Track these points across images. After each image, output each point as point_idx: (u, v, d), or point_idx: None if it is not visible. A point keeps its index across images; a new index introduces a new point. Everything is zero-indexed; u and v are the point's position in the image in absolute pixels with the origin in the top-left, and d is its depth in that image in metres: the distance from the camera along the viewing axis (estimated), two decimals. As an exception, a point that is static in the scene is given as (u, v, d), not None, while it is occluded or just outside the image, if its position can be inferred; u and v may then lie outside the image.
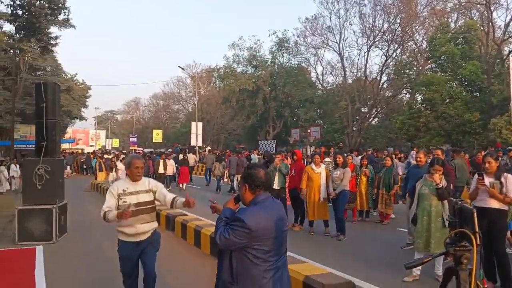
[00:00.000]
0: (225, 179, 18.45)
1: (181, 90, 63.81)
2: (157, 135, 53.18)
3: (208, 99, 52.98)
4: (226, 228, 2.51)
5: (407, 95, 36.27)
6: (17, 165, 18.09)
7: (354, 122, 35.26)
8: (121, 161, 17.17)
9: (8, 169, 18.77)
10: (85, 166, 29.07)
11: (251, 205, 2.65)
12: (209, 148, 34.54)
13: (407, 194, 7.30)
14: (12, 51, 24.42)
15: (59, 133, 9.02)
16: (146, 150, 37.30)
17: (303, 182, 8.61)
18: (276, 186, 9.49)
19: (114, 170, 17.87)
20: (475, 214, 2.00)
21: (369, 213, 10.38)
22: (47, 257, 6.89)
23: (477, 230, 1.93)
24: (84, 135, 66.34)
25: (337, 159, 8.48)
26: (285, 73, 41.24)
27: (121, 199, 3.76)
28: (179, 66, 72.95)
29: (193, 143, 39.97)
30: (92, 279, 5.76)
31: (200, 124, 41.65)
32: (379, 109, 37.09)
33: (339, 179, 8.25)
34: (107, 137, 71.42)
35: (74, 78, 42.54)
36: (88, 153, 35.45)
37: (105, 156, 23.52)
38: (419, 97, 30.05)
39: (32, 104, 33.34)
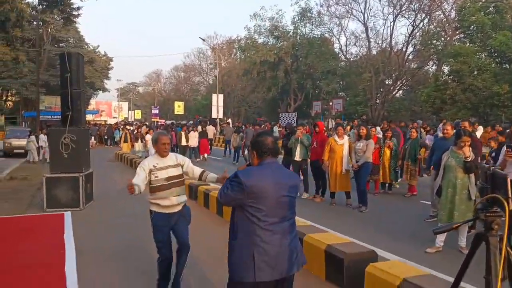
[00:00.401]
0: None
1: (202, 62, 63.69)
2: (179, 107, 53.51)
3: (228, 71, 52.72)
4: (226, 185, 2.73)
5: (434, 67, 35.25)
6: (45, 135, 18.55)
7: (378, 95, 34.61)
8: (148, 132, 17.53)
9: (37, 139, 19.29)
10: (106, 137, 29.60)
11: None
12: (229, 120, 34.57)
13: (431, 167, 7.20)
14: (35, 23, 24.59)
15: (83, 103, 9.17)
16: (168, 122, 37.61)
17: (325, 153, 8.56)
18: (297, 157, 9.50)
19: (140, 140, 18.22)
20: (509, 179, 1.96)
21: (391, 185, 10.30)
22: (74, 222, 7.14)
23: (510, 195, 1.90)
24: (107, 107, 67.43)
25: (361, 130, 8.39)
26: (308, 44, 40.44)
27: (152, 174, 3.90)
28: (200, 37, 72.78)
29: (214, 115, 40.16)
30: (118, 244, 5.95)
31: (220, 96, 41.67)
32: (404, 81, 36.23)
33: (362, 151, 8.19)
34: (129, 109, 72.35)
35: (96, 50, 42.91)
36: (110, 124, 36.03)
37: (127, 127, 23.84)
38: (446, 69, 29.18)
39: (56, 76, 33.98)
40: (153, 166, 3.92)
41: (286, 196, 2.75)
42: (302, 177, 9.60)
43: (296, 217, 5.28)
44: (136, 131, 19.76)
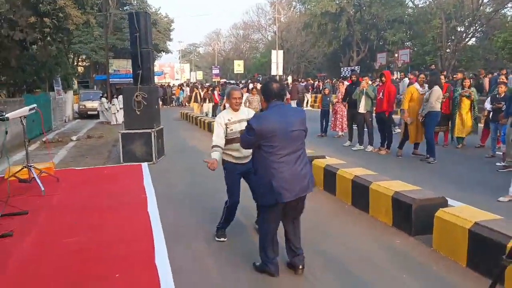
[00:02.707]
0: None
1: (261, 18, 62.71)
2: (238, 66, 53.61)
3: (288, 25, 51.59)
4: (244, 133, 3.36)
5: (513, 10, 32.16)
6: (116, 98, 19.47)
7: (449, 43, 32.40)
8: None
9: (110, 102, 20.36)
10: (164, 97, 30.97)
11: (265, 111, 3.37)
12: (290, 77, 34.23)
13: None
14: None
15: (152, 61, 9.56)
16: (232, 81, 37.99)
17: (404, 102, 8.26)
18: (362, 110, 9.34)
19: (208, 101, 18.73)
20: None
21: (462, 140, 9.44)
22: (150, 172, 7.70)
23: None
24: (170, 69, 69.15)
25: (422, 77, 8.04)
26: (372, -9, 38.35)
27: (228, 127, 4.10)
28: (258, -8, 71.00)
29: (273, 72, 39.89)
30: (191, 190, 6.39)
31: (280, 53, 41.13)
32: (478, 27, 33.46)
33: (425, 99, 7.87)
34: (191, 70, 73.76)
35: (158, 12, 43.63)
36: (163, 84, 37.23)
37: (196, 87, 24.37)
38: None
39: (122, 39, 35.35)
40: (228, 120, 4.11)
41: (294, 131, 3.25)
42: (367, 130, 9.49)
43: (360, 168, 5.32)
44: (205, 91, 20.16)
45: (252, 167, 3.94)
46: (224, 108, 4.44)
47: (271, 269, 3.48)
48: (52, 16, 14.15)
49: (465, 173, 7.19)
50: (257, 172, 3.32)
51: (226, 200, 4.29)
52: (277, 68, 39.51)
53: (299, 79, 29.15)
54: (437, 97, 7.83)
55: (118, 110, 18.14)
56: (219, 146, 4.05)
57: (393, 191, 4.66)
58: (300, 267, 3.54)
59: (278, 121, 3.19)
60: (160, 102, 28.04)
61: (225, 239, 4.31)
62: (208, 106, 18.97)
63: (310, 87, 25.81)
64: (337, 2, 39.19)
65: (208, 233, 4.50)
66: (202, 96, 19.78)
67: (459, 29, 32.95)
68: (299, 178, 3.25)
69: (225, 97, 4.37)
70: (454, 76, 13.77)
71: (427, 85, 8.09)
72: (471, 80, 9.66)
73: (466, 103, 9.16)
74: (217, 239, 4.33)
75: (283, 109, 3.33)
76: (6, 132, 5.67)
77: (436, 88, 7.89)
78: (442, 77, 9.73)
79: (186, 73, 71.78)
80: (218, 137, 4.07)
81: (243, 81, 32.47)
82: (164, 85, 37.08)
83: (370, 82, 9.96)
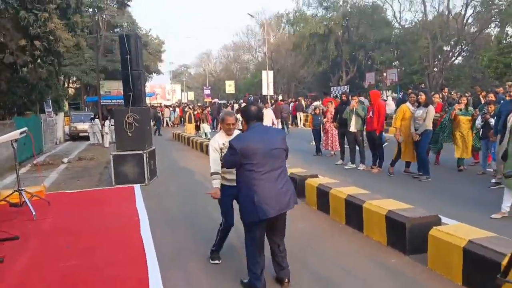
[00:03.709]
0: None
1: (250, 39, 63.49)
2: (230, 86, 53.90)
3: (277, 46, 52.21)
4: (226, 153, 3.56)
5: (496, 29, 32.94)
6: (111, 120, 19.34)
7: (436, 62, 33.00)
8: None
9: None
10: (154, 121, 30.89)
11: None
12: (280, 97, 34.42)
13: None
14: (91, 10, 25.67)
15: (143, 83, 9.59)
16: (221, 101, 38.13)
17: (396, 121, 8.30)
18: (353, 128, 9.42)
19: (202, 121, 18.59)
20: None
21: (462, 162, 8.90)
22: (142, 195, 7.62)
23: None
24: (161, 90, 69.26)
25: (419, 96, 8.11)
26: (359, 13, 39.10)
27: (222, 151, 4.07)
28: (248, 14, 72.25)
29: (264, 92, 40.14)
30: (184, 212, 6.34)
31: (270, 73, 41.44)
32: (464, 46, 34.19)
33: (421, 118, 7.93)
34: (182, 91, 73.98)
35: (149, 34, 44.00)
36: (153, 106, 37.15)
37: (189, 107, 24.31)
38: (510, 30, 27.22)
39: (113, 61, 35.43)
40: (222, 144, 4.09)
41: (274, 149, 3.42)
42: (358, 148, 9.56)
43: (353, 186, 5.35)
44: (201, 111, 20.05)
45: None
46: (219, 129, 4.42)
47: (257, 286, 3.53)
48: (43, 39, 14.17)
49: (458, 190, 7.24)
50: (240, 191, 3.48)
51: (220, 222, 4.26)
52: (267, 88, 39.74)
53: (283, 99, 29.38)
54: (432, 116, 7.95)
55: (107, 132, 18.07)
56: (218, 173, 4.03)
57: (386, 210, 4.67)
58: (286, 280, 3.66)
59: (259, 140, 3.39)
60: (152, 123, 28.20)
61: (220, 262, 4.27)
62: (205, 127, 18.56)
63: (302, 107, 25.95)
64: (325, 23, 39.87)
65: (202, 255, 4.45)
66: (195, 117, 19.69)
67: (445, 49, 33.64)
68: (280, 195, 3.40)
69: (219, 121, 4.38)
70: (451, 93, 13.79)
71: (417, 104, 8.16)
72: (468, 97, 9.57)
73: (465, 122, 8.67)
74: (211, 261, 4.28)
75: (263, 129, 3.56)
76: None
77: (431, 107, 8.00)
78: (437, 96, 9.77)
79: (177, 93, 71.92)
80: (215, 163, 4.04)
81: (230, 102, 32.61)
82: (155, 106, 37.06)
83: (361, 99, 10.02)
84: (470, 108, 9.10)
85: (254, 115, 3.55)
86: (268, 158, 3.38)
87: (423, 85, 21.95)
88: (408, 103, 8.45)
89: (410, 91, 11.63)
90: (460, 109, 8.77)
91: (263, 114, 3.86)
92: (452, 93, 14.19)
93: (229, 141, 3.50)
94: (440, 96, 11.26)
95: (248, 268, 3.59)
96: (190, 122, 19.82)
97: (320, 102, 15.10)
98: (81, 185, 9.02)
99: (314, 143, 12.66)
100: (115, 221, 5.95)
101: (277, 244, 3.66)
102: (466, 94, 10.57)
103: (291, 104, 26.39)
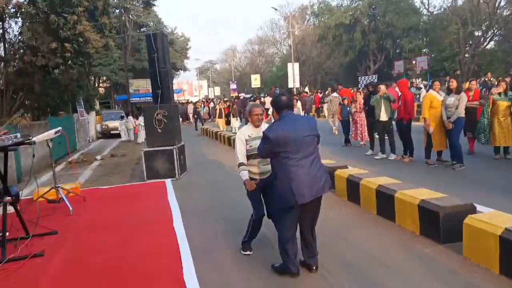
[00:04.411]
0: None
1: (275, 32, 63.27)
2: (255, 80, 53.95)
3: (302, 38, 51.80)
4: (261, 143, 3.63)
5: (531, 11, 31.56)
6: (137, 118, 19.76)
7: (467, 48, 31.96)
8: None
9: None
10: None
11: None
12: (306, 89, 34.23)
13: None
14: (117, 11, 26.25)
15: (171, 80, 9.73)
16: (247, 95, 38.27)
17: (425, 111, 8.01)
18: (383, 117, 9.22)
19: (232, 116, 18.55)
20: None
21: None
22: (173, 189, 7.77)
23: None
24: (188, 86, 70.07)
25: (450, 84, 7.88)
26: (385, 1, 38.25)
27: (248, 143, 4.15)
28: (272, 7, 71.89)
29: (290, 85, 39.94)
30: (215, 205, 6.42)
31: (296, 65, 41.22)
32: (496, 30, 32.94)
33: (453, 106, 7.70)
34: (208, 86, 74.58)
35: (175, 32, 44.53)
36: (182, 102, 37.49)
37: (219, 102, 24.33)
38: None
39: (140, 60, 36.11)
40: (248, 136, 4.16)
41: (306, 136, 3.51)
42: (388, 138, 9.39)
43: (384, 177, 5.28)
44: (228, 106, 20.03)
45: (270, 179, 3.98)
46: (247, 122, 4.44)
47: (292, 269, 3.62)
48: (73, 41, 14.61)
49: (493, 178, 7.02)
50: (276, 177, 3.58)
51: (251, 213, 4.30)
52: (293, 80, 39.52)
53: (310, 91, 29.13)
54: (465, 103, 7.73)
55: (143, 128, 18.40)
56: (244, 164, 4.10)
57: (419, 199, 4.60)
58: (314, 267, 3.76)
59: (290, 129, 3.48)
60: (181, 119, 28.55)
61: (251, 252, 4.31)
62: (234, 122, 18.50)
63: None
64: (351, 13, 39.24)
65: (233, 246, 4.51)
66: (225, 112, 19.67)
67: (476, 34, 32.52)
68: (315, 180, 3.49)
69: (246, 113, 4.39)
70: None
71: (443, 92, 7.94)
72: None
73: (505, 107, 8.16)
74: (243, 252, 4.33)
75: (294, 118, 3.63)
76: (34, 155, 5.85)
77: (463, 94, 7.77)
78: (474, 82, 9.37)
79: (204, 89, 72.60)
80: (242, 154, 4.12)
81: (257, 95, 32.58)
82: (184, 102, 37.52)
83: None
84: (510, 92, 8.29)
85: (285, 104, 3.62)
86: (301, 145, 3.47)
87: (458, 72, 20.96)
88: (432, 91, 8.18)
89: (449, 77, 11.19)
90: (499, 94, 8.24)
91: (293, 103, 3.90)
92: (492, 79, 13.54)
93: (263, 132, 3.60)
94: (480, 81, 10.75)
95: (282, 253, 3.68)
96: (220, 117, 19.77)
97: (337, 93, 14.92)
98: (114, 181, 9.26)
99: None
100: (148, 215, 6.09)
101: (309, 230, 3.74)
102: (507, 79, 9.87)
103: (313, 96, 26.14)
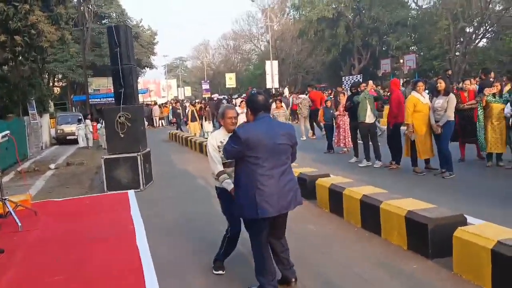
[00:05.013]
0: None
1: (252, 26, 63.51)
2: (230, 79, 53.98)
3: (282, 34, 52.28)
4: (228, 142, 3.52)
5: (525, 7, 32.70)
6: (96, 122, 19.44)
7: (458, 45, 32.84)
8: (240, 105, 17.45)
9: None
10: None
11: None
12: (286, 89, 34.42)
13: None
14: (76, 0, 25.85)
15: (136, 78, 9.64)
16: (220, 97, 38.25)
17: (408, 115, 8.01)
18: (368, 119, 9.28)
19: (205, 119, 18.19)
20: None
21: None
22: (137, 201, 7.65)
23: None
24: (155, 86, 69.49)
25: (438, 85, 8.01)
26: (371, -6, 38.99)
27: (220, 151, 4.02)
28: (248, -1, 72.05)
29: (268, 85, 40.13)
30: (182, 220, 6.36)
31: (275, 63, 41.53)
32: (488, 27, 34.01)
33: (442, 108, 7.85)
34: (178, 86, 74.16)
35: (140, 24, 44.13)
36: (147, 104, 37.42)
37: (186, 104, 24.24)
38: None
39: (101, 56, 35.62)
40: (220, 142, 4.05)
41: (280, 144, 3.46)
42: (372, 143, 9.50)
43: (369, 186, 5.34)
44: (200, 108, 19.79)
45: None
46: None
47: None
48: (24, 34, 14.28)
49: (484, 186, 7.20)
50: (239, 185, 3.51)
51: (226, 228, 4.27)
52: (272, 80, 39.79)
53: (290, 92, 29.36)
54: (454, 106, 7.85)
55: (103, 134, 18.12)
56: (225, 172, 4.02)
57: (406, 210, 4.66)
58: (293, 280, 3.77)
59: (265, 133, 3.43)
60: (146, 123, 28.31)
61: (223, 272, 4.28)
62: (208, 126, 17.70)
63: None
64: (334, 6, 39.79)
65: (204, 265, 4.47)
66: (198, 114, 19.34)
67: (467, 30, 33.49)
68: (282, 194, 3.45)
69: (219, 116, 4.31)
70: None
71: (441, 93, 7.98)
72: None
73: (499, 110, 8.15)
74: (214, 272, 4.30)
75: (271, 122, 3.62)
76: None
77: (452, 95, 7.89)
78: (468, 82, 9.55)
79: (173, 89, 72.12)
80: (218, 162, 4.05)
81: (232, 96, 32.61)
82: (150, 104, 37.23)
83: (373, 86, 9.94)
84: (505, 94, 8.26)
85: (261, 105, 3.56)
86: (274, 152, 3.43)
87: (450, 72, 21.12)
88: (415, 93, 8.16)
89: (436, 78, 11.31)
90: (494, 95, 8.20)
91: (270, 104, 3.87)
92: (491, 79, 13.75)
93: (234, 129, 3.56)
94: (478, 82, 10.87)
95: (258, 273, 3.64)
96: (193, 120, 18.67)
97: (307, 95, 15.21)
98: (71, 192, 9.07)
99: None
100: (108, 230, 5.99)
101: (278, 241, 3.74)
102: (504, 78, 10.04)
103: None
